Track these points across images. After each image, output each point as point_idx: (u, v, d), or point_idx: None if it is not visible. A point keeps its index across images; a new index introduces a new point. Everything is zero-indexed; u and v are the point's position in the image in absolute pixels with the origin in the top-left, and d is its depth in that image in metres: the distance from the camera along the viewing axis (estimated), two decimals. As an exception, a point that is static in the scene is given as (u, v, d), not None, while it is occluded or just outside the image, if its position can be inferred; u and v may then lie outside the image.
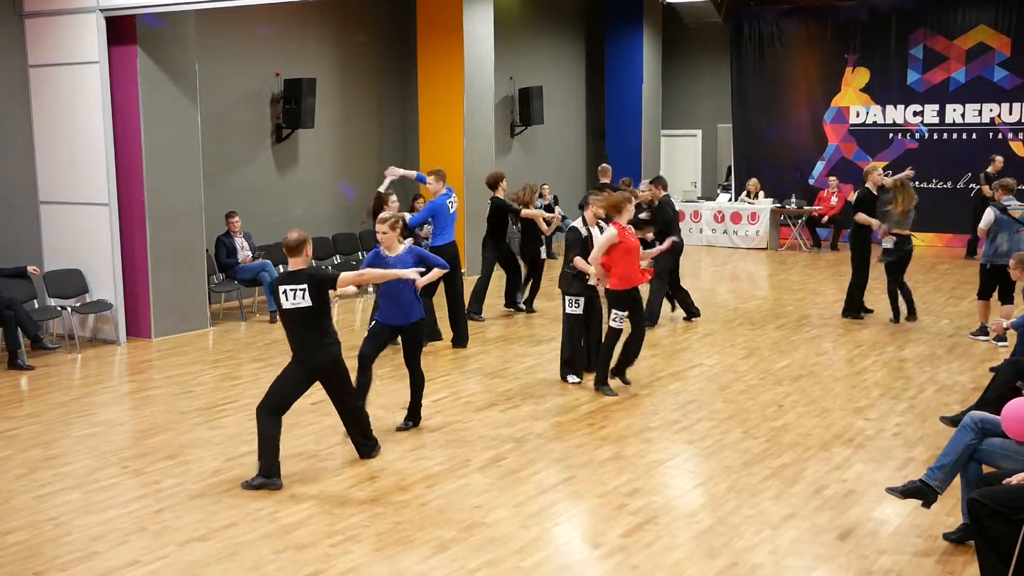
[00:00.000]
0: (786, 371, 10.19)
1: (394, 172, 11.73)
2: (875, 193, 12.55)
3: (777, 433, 8.16)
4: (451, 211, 11.29)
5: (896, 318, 12.48)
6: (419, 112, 16.70)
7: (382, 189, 11.43)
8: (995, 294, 11.36)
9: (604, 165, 15.47)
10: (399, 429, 8.27)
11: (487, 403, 9.11)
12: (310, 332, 7.02)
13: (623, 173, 17.68)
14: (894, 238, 12.13)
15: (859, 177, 20.14)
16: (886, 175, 13.03)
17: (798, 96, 21.24)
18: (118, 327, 11.60)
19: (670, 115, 23.21)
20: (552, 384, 9.71)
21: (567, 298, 9.59)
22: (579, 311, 9.57)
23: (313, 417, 8.68)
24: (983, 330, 11.48)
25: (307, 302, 6.91)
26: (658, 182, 12.35)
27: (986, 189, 12.30)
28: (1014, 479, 5.28)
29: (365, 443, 7.59)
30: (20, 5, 11.48)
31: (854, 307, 12.82)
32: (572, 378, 9.72)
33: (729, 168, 22.37)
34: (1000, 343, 11.10)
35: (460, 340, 11.34)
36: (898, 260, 12.23)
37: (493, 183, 12.70)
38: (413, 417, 8.41)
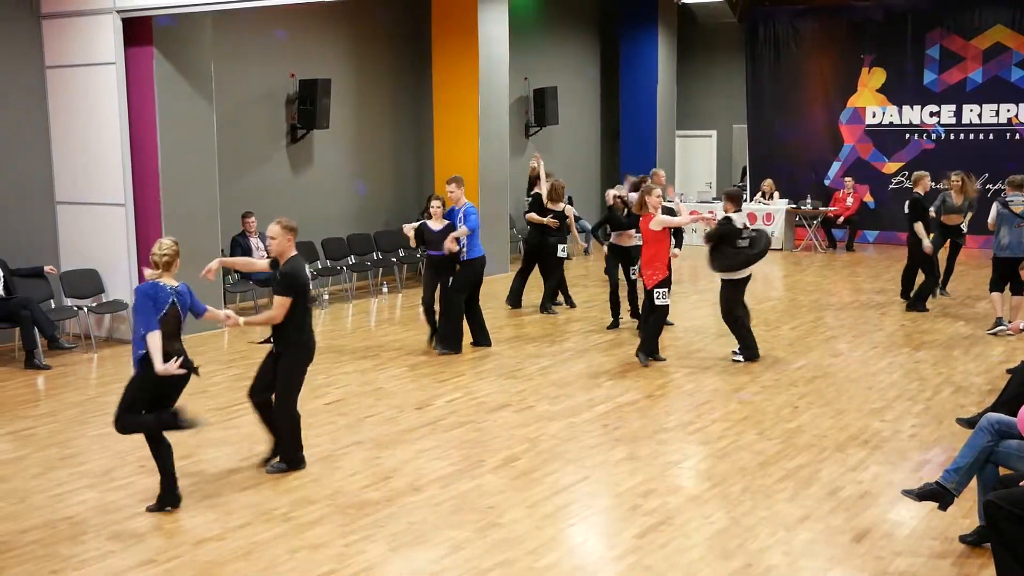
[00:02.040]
0: (801, 372, 10.16)
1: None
2: (924, 196, 13.35)
3: (792, 434, 8.13)
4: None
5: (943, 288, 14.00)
6: (434, 112, 16.71)
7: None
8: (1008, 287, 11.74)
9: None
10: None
11: (501, 404, 9.11)
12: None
13: (638, 173, 17.64)
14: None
15: (875, 177, 20.20)
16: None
17: (813, 96, 21.17)
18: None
19: (685, 115, 23.16)
20: (566, 385, 9.71)
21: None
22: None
23: (328, 417, 8.70)
24: (999, 322, 11.75)
25: None
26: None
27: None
28: (1031, 481, 5.26)
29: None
30: (37, 6, 11.54)
31: (922, 298, 13.46)
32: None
33: (744, 169, 22.30)
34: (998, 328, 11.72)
35: (484, 340, 11.33)
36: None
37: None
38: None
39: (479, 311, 11.31)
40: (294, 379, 7.29)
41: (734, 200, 10.45)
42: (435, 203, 10.84)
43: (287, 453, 7.35)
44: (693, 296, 14.46)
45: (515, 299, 13.66)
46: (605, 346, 11.38)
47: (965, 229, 13.85)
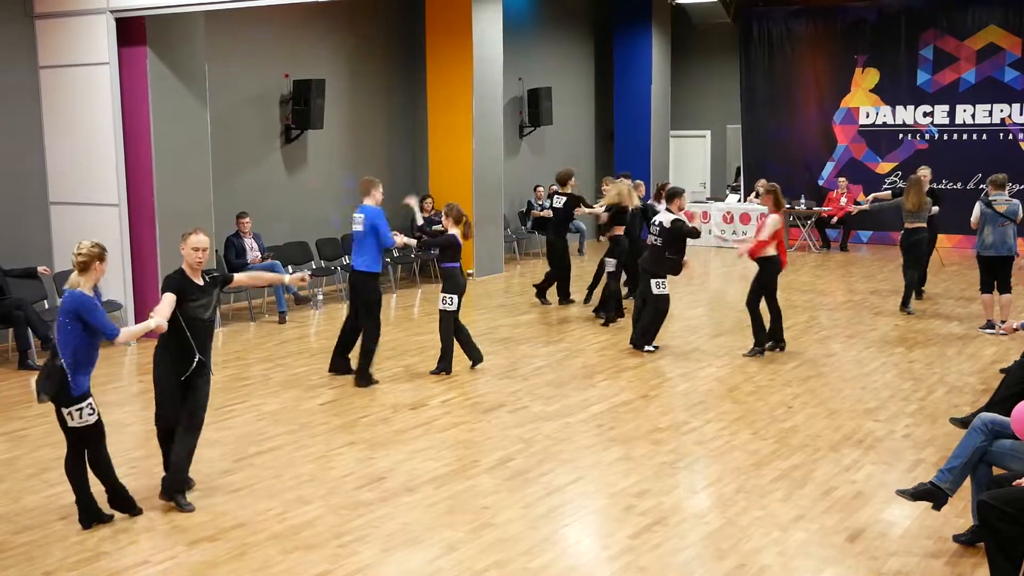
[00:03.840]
0: (795, 372, 10.17)
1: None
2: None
3: (786, 434, 8.14)
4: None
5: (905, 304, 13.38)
6: (428, 113, 16.71)
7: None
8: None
9: (638, 181, 15.34)
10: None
11: (496, 404, 9.11)
12: None
13: (632, 173, 17.67)
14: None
15: (869, 178, 20.23)
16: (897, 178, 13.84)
17: (807, 97, 21.20)
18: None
19: (679, 116, 23.18)
20: (560, 385, 9.71)
21: (655, 281, 10.83)
22: (666, 291, 10.97)
23: (322, 417, 8.70)
24: (990, 324, 11.82)
25: None
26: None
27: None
28: (1024, 481, 5.27)
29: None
30: (30, 6, 11.52)
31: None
32: (649, 348, 11.00)
33: (738, 169, 22.34)
34: (988, 331, 11.76)
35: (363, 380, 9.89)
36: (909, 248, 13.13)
37: (564, 180, 13.39)
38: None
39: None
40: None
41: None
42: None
43: (183, 478, 6.81)
44: (688, 296, 14.47)
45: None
46: (599, 346, 11.38)
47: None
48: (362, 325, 9.80)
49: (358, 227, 9.73)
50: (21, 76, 11.56)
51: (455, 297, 9.96)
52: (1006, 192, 11.75)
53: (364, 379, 9.70)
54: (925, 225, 12.91)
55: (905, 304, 13.17)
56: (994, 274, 11.63)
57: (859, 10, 20.49)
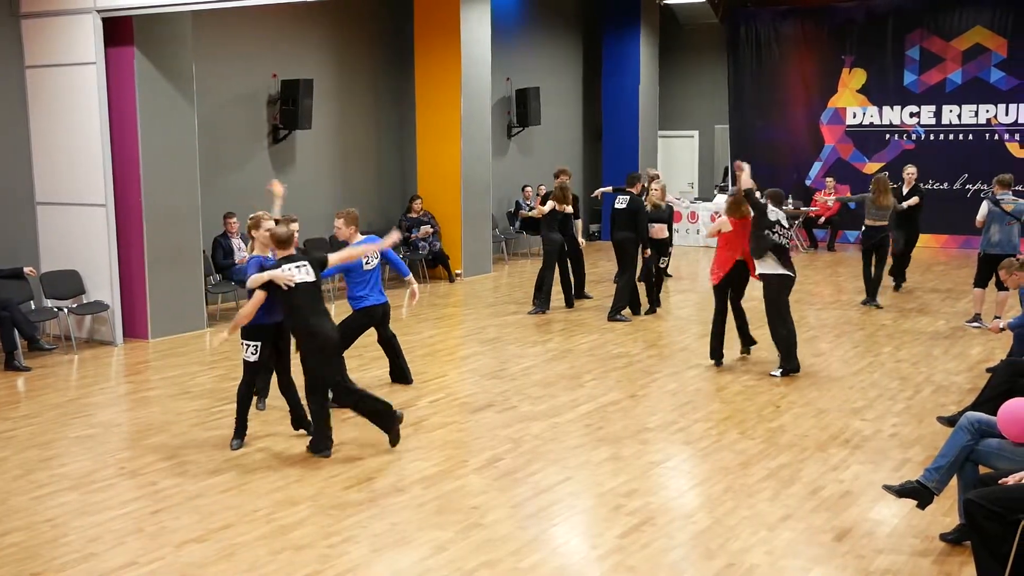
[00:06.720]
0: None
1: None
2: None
3: (774, 434, 8.16)
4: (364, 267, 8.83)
5: (872, 298, 13.60)
6: (416, 113, 16.71)
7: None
8: (992, 283, 11.88)
9: (652, 171, 15.26)
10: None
11: (484, 404, 9.11)
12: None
13: (620, 174, 17.71)
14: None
15: (856, 178, 20.33)
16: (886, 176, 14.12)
17: (795, 97, 21.27)
18: (115, 328, 11.59)
19: (667, 116, 23.23)
20: (549, 385, 9.72)
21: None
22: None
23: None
24: (977, 318, 12.07)
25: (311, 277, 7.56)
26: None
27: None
28: (1010, 479, 5.29)
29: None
30: (17, 6, 11.47)
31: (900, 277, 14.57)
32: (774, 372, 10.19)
33: (726, 169, 22.39)
34: (975, 324, 12.06)
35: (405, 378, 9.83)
36: (872, 247, 13.50)
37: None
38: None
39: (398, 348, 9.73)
40: None
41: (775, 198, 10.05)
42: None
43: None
44: (676, 296, 14.50)
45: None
46: (587, 346, 11.40)
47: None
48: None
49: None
50: (7, 76, 11.51)
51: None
52: (1010, 192, 11.93)
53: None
54: (887, 223, 13.35)
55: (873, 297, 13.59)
56: (994, 271, 11.67)
57: (846, 11, 20.57)
